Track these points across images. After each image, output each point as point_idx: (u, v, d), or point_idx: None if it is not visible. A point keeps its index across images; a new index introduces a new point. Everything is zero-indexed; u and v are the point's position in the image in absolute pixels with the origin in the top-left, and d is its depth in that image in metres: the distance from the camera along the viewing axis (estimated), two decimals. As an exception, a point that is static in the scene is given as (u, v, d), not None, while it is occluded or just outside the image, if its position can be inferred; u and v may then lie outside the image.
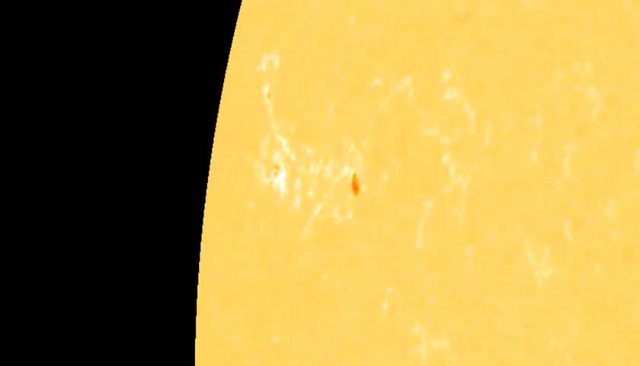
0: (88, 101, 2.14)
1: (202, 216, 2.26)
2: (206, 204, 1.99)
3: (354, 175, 1.48)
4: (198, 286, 1.98)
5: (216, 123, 1.99)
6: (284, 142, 1.64)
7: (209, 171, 1.99)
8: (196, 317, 1.89)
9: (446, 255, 1.37)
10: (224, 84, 1.99)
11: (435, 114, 1.40)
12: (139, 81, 2.14)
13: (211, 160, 1.98)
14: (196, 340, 1.88)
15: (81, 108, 2.14)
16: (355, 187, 1.47)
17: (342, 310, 1.52)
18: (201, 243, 1.96)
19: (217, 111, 2.28)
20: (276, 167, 1.64)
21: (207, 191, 2.02)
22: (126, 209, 2.15)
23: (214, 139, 2.00)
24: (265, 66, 1.69)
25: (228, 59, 2.03)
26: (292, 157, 1.61)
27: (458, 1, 1.39)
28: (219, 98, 2.23)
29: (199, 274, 1.97)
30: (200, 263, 1.98)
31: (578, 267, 1.24)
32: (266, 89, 1.68)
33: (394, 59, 1.48)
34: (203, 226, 1.99)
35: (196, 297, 2.07)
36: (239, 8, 2.11)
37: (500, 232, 1.31)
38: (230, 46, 2.19)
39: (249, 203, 1.71)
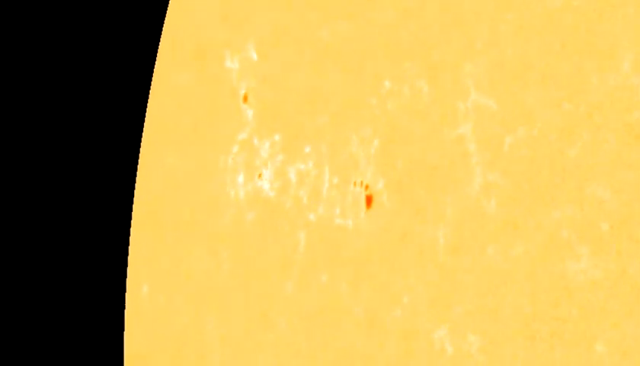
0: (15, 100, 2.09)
1: (127, 220, 2.20)
2: (135, 207, 1.92)
3: (367, 186, 1.41)
4: (126, 294, 1.93)
5: (145, 123, 1.93)
6: (275, 141, 1.56)
7: (138, 173, 1.93)
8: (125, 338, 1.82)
9: (471, 256, 1.32)
10: (152, 83, 1.91)
11: (457, 112, 1.35)
12: (65, 80, 2.09)
13: (139, 162, 1.92)
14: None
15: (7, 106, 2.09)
16: (369, 201, 1.41)
17: (347, 314, 1.46)
18: (130, 247, 1.89)
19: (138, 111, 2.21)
20: (260, 171, 1.56)
21: (136, 192, 1.95)
22: (57, 211, 2.12)
23: (143, 139, 1.93)
24: (238, 63, 1.60)
25: (157, 55, 1.96)
26: (280, 157, 1.53)
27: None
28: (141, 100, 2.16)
29: (128, 270, 1.91)
30: (129, 261, 1.92)
31: (618, 267, 1.20)
32: (243, 88, 1.59)
33: (406, 51, 1.42)
34: (131, 235, 1.94)
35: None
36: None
37: (534, 232, 1.27)
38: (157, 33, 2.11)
39: (224, 206, 1.63)
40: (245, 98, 1.58)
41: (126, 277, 2.14)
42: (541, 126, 1.26)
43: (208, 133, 1.67)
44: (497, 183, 1.30)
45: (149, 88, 2.11)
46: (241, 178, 1.58)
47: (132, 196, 2.16)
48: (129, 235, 2.17)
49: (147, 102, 2.16)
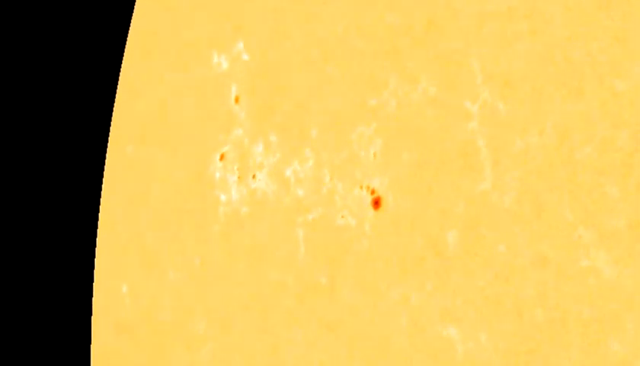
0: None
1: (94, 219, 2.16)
2: (100, 210, 1.89)
3: (373, 191, 1.41)
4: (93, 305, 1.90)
5: (112, 124, 1.90)
6: (270, 141, 1.54)
7: (105, 173, 1.90)
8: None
9: (482, 255, 1.33)
10: (118, 86, 1.88)
11: (465, 111, 1.35)
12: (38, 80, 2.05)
13: (106, 167, 1.89)
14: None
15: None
16: (375, 201, 1.40)
17: (350, 316, 1.45)
18: (93, 248, 1.86)
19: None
20: (254, 172, 1.55)
21: (103, 192, 1.92)
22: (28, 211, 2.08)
23: (110, 138, 1.91)
24: (227, 63, 1.57)
25: (124, 55, 1.93)
26: (276, 158, 1.52)
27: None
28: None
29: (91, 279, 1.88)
30: (92, 265, 1.90)
31: (634, 266, 1.21)
32: (234, 89, 1.57)
33: (410, 49, 1.41)
34: (98, 235, 1.91)
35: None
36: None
37: (548, 231, 1.28)
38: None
39: (218, 208, 1.61)
40: (237, 99, 1.57)
41: (91, 274, 2.11)
42: (553, 125, 1.27)
43: (194, 135, 1.65)
44: (509, 182, 1.30)
45: (114, 86, 2.08)
46: (234, 179, 1.56)
47: (99, 195, 2.13)
48: (93, 235, 2.13)
49: (112, 101, 2.12)
